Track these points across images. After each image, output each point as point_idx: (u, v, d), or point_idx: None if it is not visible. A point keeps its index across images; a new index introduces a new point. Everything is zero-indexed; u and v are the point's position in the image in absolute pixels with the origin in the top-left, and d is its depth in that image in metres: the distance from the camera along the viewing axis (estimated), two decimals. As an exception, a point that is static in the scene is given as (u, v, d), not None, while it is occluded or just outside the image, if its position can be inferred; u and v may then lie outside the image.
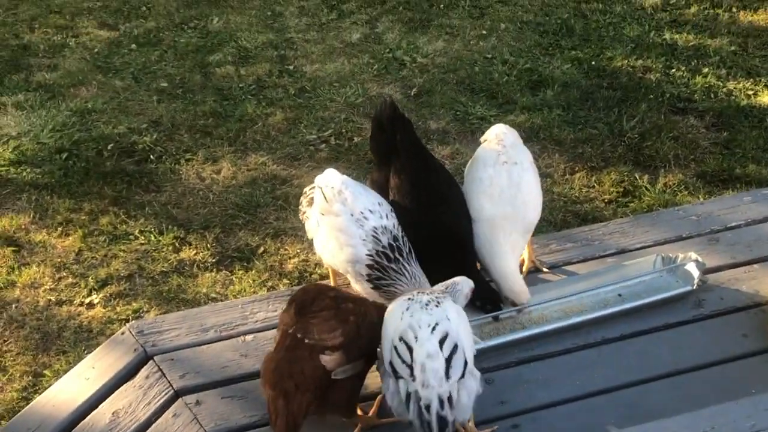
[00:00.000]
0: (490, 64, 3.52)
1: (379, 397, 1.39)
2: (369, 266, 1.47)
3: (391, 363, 1.24)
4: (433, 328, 1.24)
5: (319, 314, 1.32)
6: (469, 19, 3.92)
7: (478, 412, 1.34)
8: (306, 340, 1.28)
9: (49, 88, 3.42)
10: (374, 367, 1.36)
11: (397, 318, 1.28)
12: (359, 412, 1.37)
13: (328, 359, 1.27)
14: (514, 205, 1.59)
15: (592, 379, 1.45)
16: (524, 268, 1.69)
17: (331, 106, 3.29)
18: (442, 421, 1.20)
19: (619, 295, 1.61)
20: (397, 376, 1.23)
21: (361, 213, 1.51)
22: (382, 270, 1.47)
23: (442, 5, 4.04)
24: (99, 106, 3.27)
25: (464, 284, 1.37)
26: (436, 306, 1.28)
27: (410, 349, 1.22)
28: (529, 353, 1.51)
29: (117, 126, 3.13)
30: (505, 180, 1.62)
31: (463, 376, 1.23)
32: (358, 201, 1.53)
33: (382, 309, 1.36)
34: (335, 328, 1.29)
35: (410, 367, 1.21)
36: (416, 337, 1.23)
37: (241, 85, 3.41)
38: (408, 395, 1.22)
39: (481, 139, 1.81)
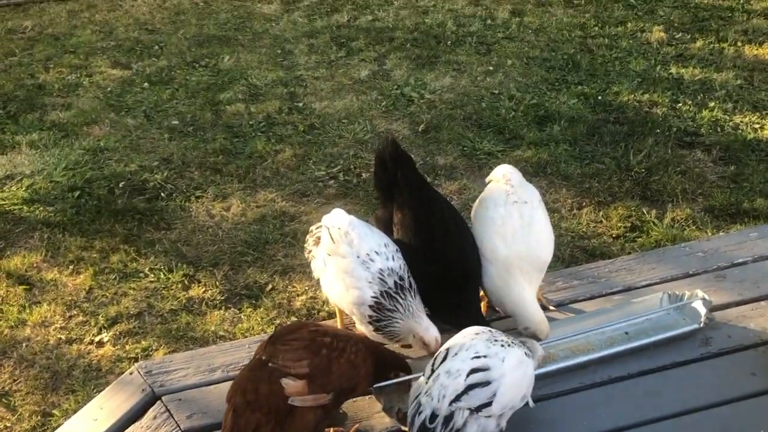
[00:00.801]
0: (497, 99, 3.56)
1: (356, 426, 1.40)
2: (371, 307, 1.48)
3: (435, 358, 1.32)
4: (476, 357, 1.27)
5: (290, 343, 1.35)
6: (476, 56, 3.97)
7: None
8: (269, 364, 1.31)
9: (63, 127, 3.48)
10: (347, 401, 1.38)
11: (467, 334, 1.34)
12: None
13: (289, 383, 1.29)
14: (527, 244, 1.59)
15: (599, 418, 1.44)
16: None
17: (339, 142, 3.33)
18: (424, 430, 1.23)
19: (626, 333, 1.60)
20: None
21: (368, 255, 1.51)
22: (381, 311, 1.48)
23: (449, 42, 4.10)
24: (111, 144, 3.33)
25: (540, 349, 1.40)
26: (501, 346, 1.31)
27: (444, 359, 1.29)
28: (536, 392, 1.50)
29: (128, 164, 3.18)
30: (516, 220, 1.61)
31: (478, 411, 1.24)
32: (364, 242, 1.54)
33: (375, 352, 1.38)
34: (302, 358, 1.32)
35: (432, 371, 1.28)
36: (456, 354, 1.28)
37: (251, 123, 3.47)
38: (417, 392, 1.28)
39: (487, 179, 1.82)
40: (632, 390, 1.49)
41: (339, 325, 1.67)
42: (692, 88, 3.56)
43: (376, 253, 1.52)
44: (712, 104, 3.42)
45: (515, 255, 1.57)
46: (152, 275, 2.56)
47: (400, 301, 1.48)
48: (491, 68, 3.84)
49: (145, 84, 3.81)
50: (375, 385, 1.42)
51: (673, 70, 3.72)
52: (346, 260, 1.52)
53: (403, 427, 1.37)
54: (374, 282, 1.48)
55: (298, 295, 2.48)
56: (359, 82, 3.78)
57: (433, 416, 1.23)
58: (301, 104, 3.62)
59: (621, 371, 1.53)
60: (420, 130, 3.39)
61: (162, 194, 2.99)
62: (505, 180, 1.73)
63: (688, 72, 3.70)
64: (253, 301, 2.44)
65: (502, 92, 3.62)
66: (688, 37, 4.05)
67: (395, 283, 1.48)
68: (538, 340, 1.50)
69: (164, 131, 3.43)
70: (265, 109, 3.59)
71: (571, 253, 2.59)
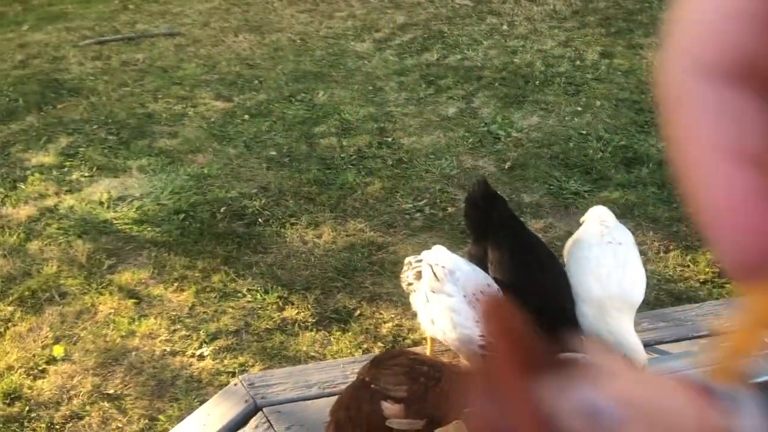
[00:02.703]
0: (584, 140, 3.60)
1: None
2: (482, 347, 1.54)
3: None
4: None
5: (391, 368, 1.43)
6: (564, 96, 4.02)
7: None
8: (372, 385, 1.39)
9: (170, 154, 3.74)
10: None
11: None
12: None
13: (387, 406, 1.36)
14: (621, 285, 1.62)
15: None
16: None
17: (426, 176, 3.44)
18: None
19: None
20: None
21: (473, 294, 1.58)
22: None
23: (537, 82, 4.17)
24: (214, 171, 3.56)
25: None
26: None
27: None
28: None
29: (230, 190, 3.39)
30: (611, 260, 1.65)
31: None
32: (469, 282, 1.60)
33: (463, 382, 1.45)
34: (402, 383, 1.39)
35: None
36: None
37: (342, 156, 3.63)
38: None
39: (581, 219, 1.87)
40: None
41: (428, 354, 1.75)
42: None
43: (482, 292, 1.58)
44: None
45: (608, 296, 1.62)
46: (249, 296, 2.72)
47: None
48: (579, 108, 3.88)
49: (246, 116, 4.06)
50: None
51: None
52: (453, 299, 1.59)
53: None
54: (481, 321, 1.54)
55: (384, 322, 2.58)
56: (447, 119, 3.90)
57: None
58: (390, 139, 3.76)
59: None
60: (506, 167, 3.46)
61: (260, 220, 3.17)
62: (599, 221, 1.78)
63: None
64: (342, 325, 2.56)
65: (590, 133, 3.65)
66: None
67: None
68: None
69: (262, 161, 3.63)
70: (356, 143, 3.75)
71: (657, 295, 2.59)
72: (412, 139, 3.74)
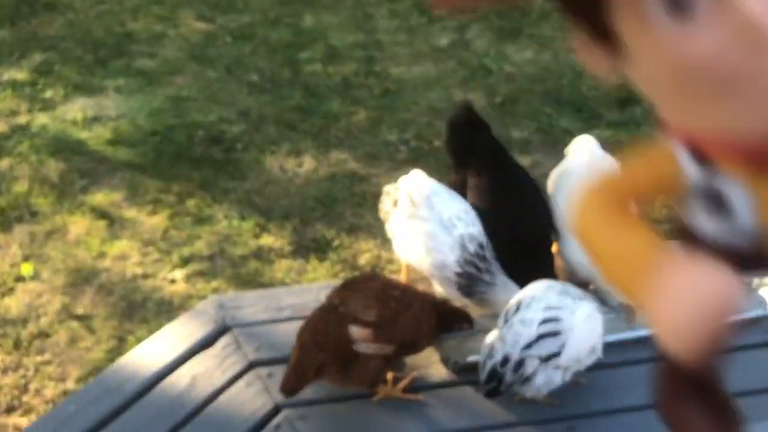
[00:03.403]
0: (578, 77, 3.49)
1: (412, 373, 1.44)
2: (458, 274, 1.50)
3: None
4: (548, 308, 1.31)
5: (362, 291, 1.39)
6: (561, 31, 3.89)
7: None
8: (340, 308, 1.35)
9: (148, 75, 3.60)
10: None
11: (539, 287, 1.37)
12: (387, 381, 1.42)
13: (355, 330, 1.33)
14: None
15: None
16: None
17: (413, 108, 3.34)
18: (493, 374, 1.28)
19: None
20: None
21: (449, 219, 1.53)
22: (470, 278, 1.50)
23: (534, 15, 4.02)
24: (192, 94, 3.43)
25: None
26: (572, 299, 1.34)
27: (517, 309, 1.32)
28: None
29: (208, 114, 3.27)
30: None
31: (547, 360, 1.27)
32: (446, 207, 1.56)
33: (439, 310, 1.41)
34: (372, 307, 1.36)
35: (505, 321, 1.33)
36: (529, 305, 1.32)
37: (327, 83, 3.51)
38: (491, 339, 1.32)
39: (567, 150, 1.81)
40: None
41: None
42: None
43: (458, 218, 1.53)
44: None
45: None
46: (225, 221, 2.64)
47: (481, 266, 1.49)
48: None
49: (228, 38, 3.90)
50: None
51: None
52: (428, 224, 1.54)
53: (457, 379, 1.41)
54: (455, 247, 1.50)
55: (362, 253, 2.53)
56: (438, 50, 3.77)
57: (505, 361, 1.26)
58: (378, 68, 3.64)
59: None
60: (497, 102, 3.36)
61: (238, 146, 3.07)
62: (588, 152, 1.72)
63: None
64: (320, 254, 2.50)
65: (584, 70, 3.54)
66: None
67: (476, 250, 1.50)
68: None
69: (243, 85, 3.50)
70: (342, 70, 3.62)
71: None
72: (401, 69, 3.62)
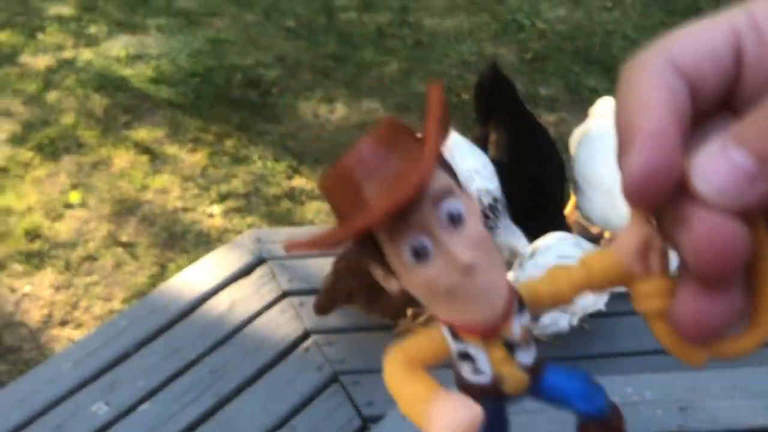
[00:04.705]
0: (609, 37, 3.52)
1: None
2: None
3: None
4: (561, 257, 1.43)
5: None
6: (595, -10, 3.90)
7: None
8: None
9: (188, 16, 3.70)
10: None
11: (553, 237, 1.48)
12: (408, 315, 1.55)
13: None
14: None
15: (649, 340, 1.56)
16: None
17: (444, 61, 3.41)
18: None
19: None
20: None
21: (468, 172, 1.59)
22: None
23: (569, -28, 4.03)
24: (231, 37, 3.53)
25: None
26: (583, 251, 1.48)
27: (532, 256, 1.47)
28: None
29: (245, 58, 3.37)
30: None
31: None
32: (465, 161, 1.63)
33: None
34: None
35: (520, 265, 1.47)
36: (543, 252, 1.45)
37: (362, 32, 3.58)
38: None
39: (591, 111, 1.88)
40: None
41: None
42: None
43: (476, 172, 1.62)
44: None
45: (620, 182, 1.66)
46: (260, 162, 2.78)
47: (490, 216, 1.60)
48: (609, 4, 3.77)
49: (267, -18, 3.96)
50: None
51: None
52: None
53: None
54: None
55: (389, 199, 2.65)
56: (473, 2, 3.80)
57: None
58: (411, 19, 3.69)
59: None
60: (527, 58, 3.41)
61: (274, 90, 3.18)
62: (610, 113, 1.79)
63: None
64: (348, 198, 2.63)
65: (616, 30, 3.57)
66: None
67: (490, 205, 1.60)
68: None
69: (280, 30, 3.59)
70: (377, 20, 3.68)
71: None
72: (435, 20, 3.67)
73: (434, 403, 0.33)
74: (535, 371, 0.37)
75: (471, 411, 0.33)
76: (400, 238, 0.32)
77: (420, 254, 0.32)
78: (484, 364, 0.35)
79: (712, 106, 0.29)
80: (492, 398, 0.37)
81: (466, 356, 0.36)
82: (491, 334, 0.35)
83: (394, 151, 0.33)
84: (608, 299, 1.62)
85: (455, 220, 0.32)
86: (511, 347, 0.36)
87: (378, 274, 0.36)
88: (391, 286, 0.36)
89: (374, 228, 0.33)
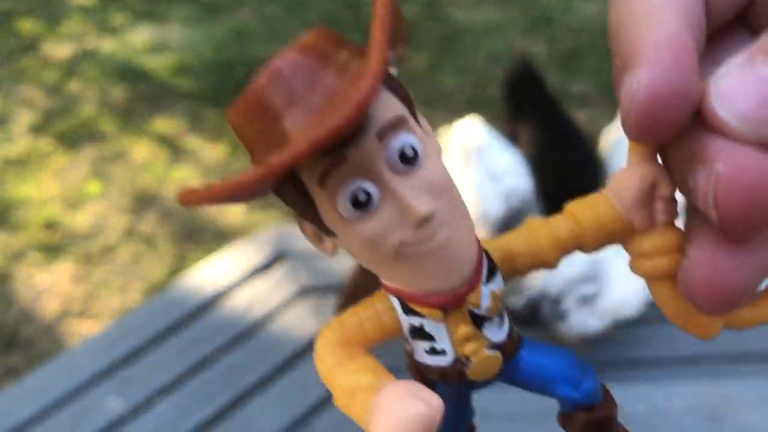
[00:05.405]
0: (642, 33, 3.42)
1: None
2: (497, 224, 1.54)
3: None
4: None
5: None
6: (628, -15, 3.80)
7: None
8: None
9: (211, 7, 3.65)
10: None
11: None
12: None
13: None
14: None
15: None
16: None
17: (473, 55, 3.32)
18: (530, 305, 1.34)
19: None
20: None
21: (497, 171, 1.55)
22: (507, 228, 1.54)
23: (601, -33, 3.93)
24: (254, 28, 3.48)
25: None
26: (615, 253, 1.42)
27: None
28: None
29: (268, 51, 3.32)
30: None
31: (584, 302, 1.31)
32: (498, 159, 1.57)
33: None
34: None
35: None
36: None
37: (388, 26, 3.51)
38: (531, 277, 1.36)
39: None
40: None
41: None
42: None
43: (506, 170, 1.56)
44: None
45: None
46: (282, 156, 2.72)
47: (519, 216, 1.53)
48: (642, 0, 3.68)
49: (292, -25, 3.91)
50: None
51: None
52: (477, 174, 1.57)
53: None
54: (499, 199, 1.53)
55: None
56: (502, -3, 3.72)
57: (542, 295, 1.31)
58: (440, 13, 3.61)
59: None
60: (558, 54, 3.32)
61: (297, 83, 3.12)
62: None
63: None
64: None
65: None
66: None
67: (519, 204, 1.53)
68: None
69: (303, 24, 3.53)
70: (405, 13, 3.59)
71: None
72: (464, 14, 3.59)
73: (379, 394, 0.25)
74: (508, 350, 0.29)
75: (427, 404, 0.24)
76: (335, 182, 0.25)
77: (361, 203, 0.25)
78: (444, 343, 0.27)
79: (725, 21, 0.24)
80: (453, 384, 0.28)
81: (421, 333, 0.27)
82: (453, 304, 0.27)
83: (326, 66, 0.25)
84: (645, 304, 1.54)
85: (409, 159, 0.25)
86: (478, 321, 0.28)
87: (307, 231, 0.28)
88: (325, 247, 0.28)
89: (299, 168, 0.25)
